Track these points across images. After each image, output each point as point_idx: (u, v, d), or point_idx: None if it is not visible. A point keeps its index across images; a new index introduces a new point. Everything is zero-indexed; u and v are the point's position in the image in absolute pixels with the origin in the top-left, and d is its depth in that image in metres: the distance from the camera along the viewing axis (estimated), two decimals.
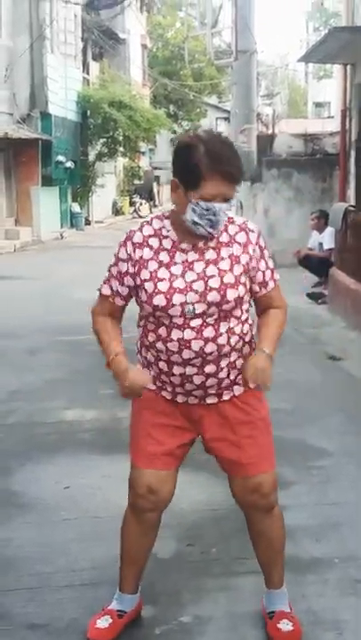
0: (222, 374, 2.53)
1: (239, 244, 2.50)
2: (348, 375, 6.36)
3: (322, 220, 10.65)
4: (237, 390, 2.59)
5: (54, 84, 22.29)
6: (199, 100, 40.53)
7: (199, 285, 2.44)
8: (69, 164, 23.16)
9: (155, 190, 36.58)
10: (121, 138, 25.86)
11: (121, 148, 26.90)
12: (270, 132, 15.25)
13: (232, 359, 2.54)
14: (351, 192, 11.64)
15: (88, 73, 26.89)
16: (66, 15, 23.36)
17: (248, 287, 2.54)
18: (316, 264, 10.40)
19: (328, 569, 3.18)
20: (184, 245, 2.48)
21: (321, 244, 10.72)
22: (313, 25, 39.27)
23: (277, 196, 13.16)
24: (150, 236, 2.52)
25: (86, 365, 6.75)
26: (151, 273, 2.47)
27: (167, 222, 2.52)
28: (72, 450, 4.64)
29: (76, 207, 24.81)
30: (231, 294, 2.45)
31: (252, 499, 2.65)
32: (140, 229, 2.53)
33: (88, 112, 25.10)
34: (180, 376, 2.53)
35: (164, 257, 2.48)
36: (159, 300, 2.45)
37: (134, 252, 2.51)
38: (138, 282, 2.50)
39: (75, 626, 2.80)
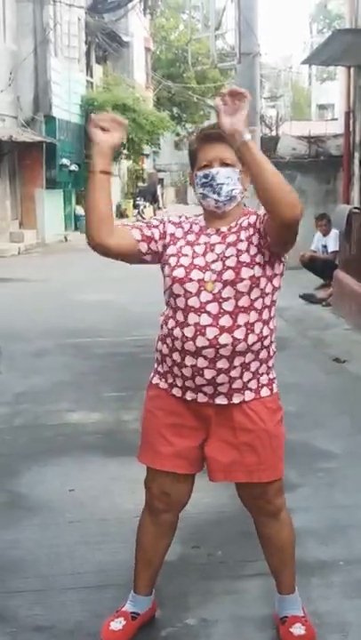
0: (234, 373, 2.52)
1: (253, 226, 2.54)
2: (353, 377, 6.35)
3: (329, 223, 10.66)
4: (248, 396, 2.57)
5: (58, 87, 22.34)
6: (203, 102, 40.57)
7: (217, 265, 2.51)
8: (73, 167, 23.21)
9: (158, 192, 36.59)
10: (125, 140, 25.90)
11: (125, 151, 26.93)
12: (274, 134, 15.26)
13: (247, 360, 2.52)
14: (355, 194, 11.62)
15: (92, 76, 26.94)
16: (69, 19, 23.42)
17: (265, 272, 2.51)
18: (320, 266, 10.40)
19: (333, 571, 3.18)
20: (209, 230, 2.58)
21: (325, 247, 10.72)
22: (316, 27, 39.34)
23: None
24: (183, 222, 2.66)
25: (92, 368, 6.78)
26: (178, 249, 2.58)
27: (200, 217, 2.66)
28: (78, 452, 4.65)
29: (80, 210, 24.84)
30: (246, 272, 2.48)
31: (257, 504, 2.65)
32: (179, 217, 2.69)
33: (92, 115, 25.14)
34: (192, 367, 2.52)
35: (190, 237, 2.59)
36: (178, 272, 2.53)
37: (168, 227, 2.63)
38: (165, 257, 2.59)
39: (80, 628, 2.80)
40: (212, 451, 2.58)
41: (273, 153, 13.73)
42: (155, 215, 33.14)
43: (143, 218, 30.89)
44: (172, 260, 2.56)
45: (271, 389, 2.62)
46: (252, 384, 2.56)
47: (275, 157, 13.60)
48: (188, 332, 2.51)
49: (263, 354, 2.57)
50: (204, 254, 2.54)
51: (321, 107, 40.55)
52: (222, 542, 3.44)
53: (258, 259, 2.51)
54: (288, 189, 2.33)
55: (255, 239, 2.51)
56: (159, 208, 34.74)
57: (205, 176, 2.52)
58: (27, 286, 12.50)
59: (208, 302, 2.49)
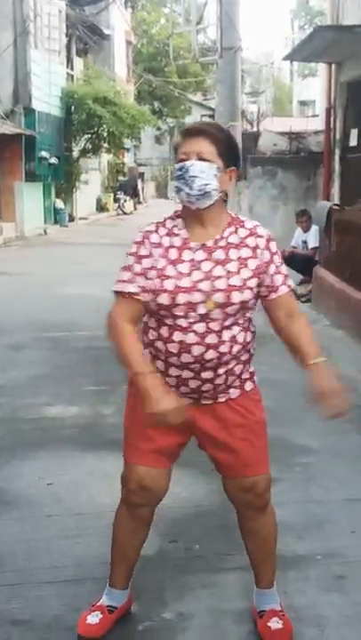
0: (219, 380, 2.53)
1: (248, 247, 2.49)
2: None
3: (310, 220, 10.70)
4: (234, 393, 2.58)
5: (38, 79, 22.19)
6: (184, 97, 40.55)
7: (205, 285, 2.43)
8: (53, 160, 23.08)
9: (139, 187, 36.55)
10: (105, 134, 25.81)
11: (105, 145, 26.84)
12: (255, 129, 15.28)
13: (230, 366, 2.53)
14: (335, 190, 11.70)
15: (72, 69, 26.80)
16: (50, 10, 23.27)
17: (256, 292, 2.50)
18: (300, 262, 10.44)
19: (310, 566, 3.21)
20: (193, 244, 2.48)
21: (305, 242, 10.75)
22: (298, 23, 39.38)
23: (262, 193, 13.19)
24: (163, 236, 2.52)
25: (70, 362, 6.75)
26: (158, 271, 2.46)
27: (179, 221, 2.54)
28: (55, 446, 4.63)
29: (59, 203, 24.73)
30: (237, 297, 2.44)
31: (246, 498, 2.65)
32: (156, 230, 2.53)
33: (72, 108, 25.02)
34: (176, 378, 2.52)
35: (172, 254, 2.47)
36: (163, 299, 2.44)
37: (153, 249, 2.49)
38: (147, 273, 2.47)
39: (58, 622, 2.80)
40: (215, 450, 2.60)
41: (254, 149, 13.76)
42: (135, 209, 33.10)
43: (124, 212, 30.86)
44: (156, 282, 2.44)
45: (253, 381, 2.65)
46: (236, 382, 2.58)
47: (255, 153, 13.64)
48: (173, 347, 2.48)
49: (246, 357, 2.59)
50: (189, 274, 2.44)
51: (302, 103, 40.63)
52: (200, 536, 3.45)
53: (250, 283, 2.48)
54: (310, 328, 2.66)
55: (252, 263, 2.47)
56: (139, 202, 34.67)
57: (180, 168, 2.46)
58: (5, 280, 12.42)
59: (195, 322, 2.45)
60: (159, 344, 2.50)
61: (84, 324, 8.12)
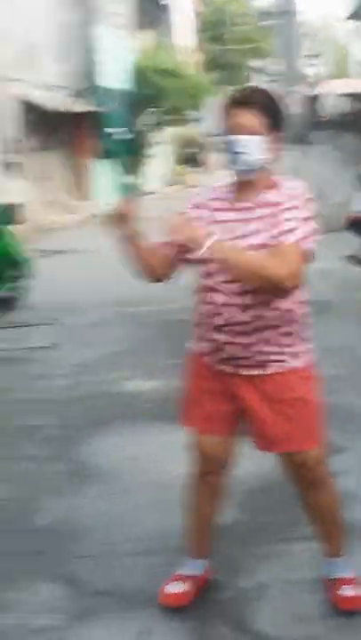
0: (255, 348, 2.51)
1: (283, 204, 2.46)
2: None
3: None
4: (275, 367, 2.54)
5: (106, 56, 22.05)
6: (244, 64, 39.75)
7: (243, 242, 2.45)
8: (124, 136, 23.03)
9: (206, 158, 36.19)
10: (171, 107, 25.60)
11: (171, 117, 26.62)
12: (316, 93, 14.90)
13: (265, 334, 2.49)
14: None
15: (138, 42, 26.54)
16: None
17: None
18: None
19: None
20: (235, 205, 2.51)
21: None
22: None
23: (325, 158, 12.87)
24: (210, 199, 2.58)
25: (145, 337, 6.82)
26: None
27: (229, 185, 2.57)
28: (133, 421, 4.71)
29: (131, 179, 24.76)
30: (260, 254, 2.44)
31: (298, 473, 2.64)
32: (202, 194, 2.62)
33: (139, 82, 24.85)
34: (215, 342, 2.54)
35: (218, 215, 2.52)
36: (194, 256, 2.44)
37: (192, 211, 2.57)
38: None
39: (140, 592, 2.87)
40: (251, 421, 2.60)
41: (315, 112, 13.43)
42: (200, 182, 32.81)
43: (192, 185, 30.61)
44: None
45: (303, 359, 2.58)
46: (279, 356, 2.53)
47: (317, 117, 13.31)
48: (210, 309, 2.52)
49: (286, 327, 2.52)
50: (230, 232, 2.47)
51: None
52: (267, 507, 3.46)
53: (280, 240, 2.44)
54: (269, 271, 2.32)
55: (283, 219, 2.42)
56: (207, 173, 34.35)
57: (227, 143, 2.44)
58: (81, 258, 12.56)
59: (226, 282, 2.46)
60: (201, 306, 2.57)
61: (155, 300, 8.15)
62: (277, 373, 2.54)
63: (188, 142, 33.43)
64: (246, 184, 2.51)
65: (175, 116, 26.43)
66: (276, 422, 2.55)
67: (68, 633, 2.68)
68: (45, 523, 3.47)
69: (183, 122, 29.53)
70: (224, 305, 2.48)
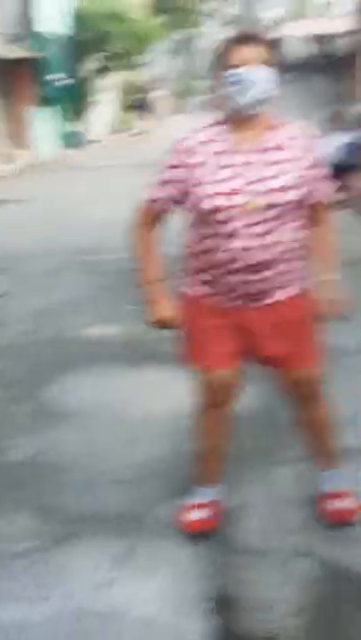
0: (268, 283, 2.65)
1: (291, 148, 2.58)
2: None
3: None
4: (285, 293, 2.70)
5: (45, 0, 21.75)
6: (195, 7, 39.40)
7: (255, 187, 2.52)
8: (65, 82, 22.82)
9: (154, 103, 36.02)
10: (117, 51, 25.37)
11: (117, 62, 26.40)
12: (277, 36, 14.98)
13: (279, 268, 2.64)
14: None
15: None
16: None
17: (301, 193, 2.59)
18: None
19: None
20: (236, 148, 2.57)
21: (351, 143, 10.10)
22: None
23: (291, 100, 12.99)
24: (203, 142, 2.60)
25: (105, 284, 6.92)
26: (201, 177, 2.56)
27: (223, 127, 2.61)
28: (102, 363, 4.86)
29: (74, 126, 24.55)
30: (280, 198, 2.54)
31: (302, 390, 2.84)
32: (193, 136, 2.62)
33: (81, 27, 24.55)
34: (227, 284, 2.66)
35: (213, 160, 2.57)
36: (206, 204, 2.55)
37: (187, 158, 2.59)
38: (189, 187, 2.59)
39: (125, 517, 3.06)
40: (255, 344, 2.75)
41: (277, 57, 13.53)
42: (152, 127, 32.70)
43: (140, 131, 30.51)
44: (205, 188, 2.55)
45: (304, 285, 2.75)
46: (287, 284, 2.69)
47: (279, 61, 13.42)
48: (224, 255, 2.60)
49: (296, 259, 2.69)
50: (230, 178, 2.54)
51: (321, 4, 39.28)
52: (253, 434, 3.66)
53: (292, 182, 2.56)
54: (335, 245, 2.77)
55: (295, 165, 2.55)
56: (156, 119, 34.20)
57: (234, 75, 2.49)
58: (31, 206, 12.52)
59: (239, 227, 2.56)
60: (211, 253, 2.63)
61: (113, 247, 8.24)
62: (283, 300, 2.70)
63: (134, 88, 33.18)
64: (245, 123, 2.57)
65: (121, 61, 26.22)
66: (280, 342, 2.73)
67: (52, 552, 2.86)
68: (21, 458, 3.62)
69: (129, 67, 29.29)
70: (244, 249, 2.57)
